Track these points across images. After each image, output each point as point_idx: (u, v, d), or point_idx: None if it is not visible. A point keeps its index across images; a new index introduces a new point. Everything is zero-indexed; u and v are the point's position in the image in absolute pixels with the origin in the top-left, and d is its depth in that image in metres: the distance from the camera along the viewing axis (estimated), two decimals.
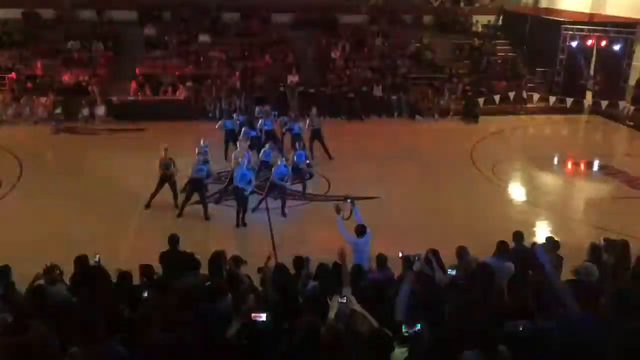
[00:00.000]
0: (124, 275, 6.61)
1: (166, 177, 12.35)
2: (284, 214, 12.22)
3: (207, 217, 11.97)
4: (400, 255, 7.25)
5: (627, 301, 4.54)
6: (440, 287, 6.24)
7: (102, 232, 10.87)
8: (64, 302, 6.23)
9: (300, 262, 7.23)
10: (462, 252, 7.19)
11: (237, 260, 7.20)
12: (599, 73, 22.70)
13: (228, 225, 11.70)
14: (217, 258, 7.19)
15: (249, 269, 7.38)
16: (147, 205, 12.35)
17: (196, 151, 12.82)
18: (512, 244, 7.88)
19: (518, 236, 8.06)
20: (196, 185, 12.06)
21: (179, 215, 12.00)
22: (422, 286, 5.79)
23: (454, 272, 6.59)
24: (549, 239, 8.27)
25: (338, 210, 8.60)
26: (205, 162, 12.30)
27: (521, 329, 4.69)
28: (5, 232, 10.68)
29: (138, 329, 4.91)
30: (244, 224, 11.74)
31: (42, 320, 5.14)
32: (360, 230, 8.40)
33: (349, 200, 9.00)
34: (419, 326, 4.49)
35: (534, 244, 7.95)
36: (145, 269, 6.99)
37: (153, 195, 12.38)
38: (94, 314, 4.52)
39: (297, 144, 13.92)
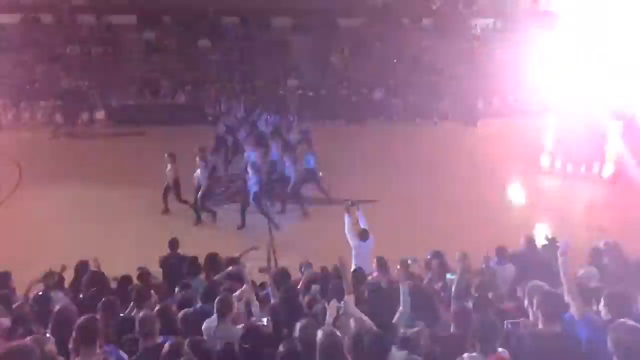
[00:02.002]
0: (124, 279, 6.61)
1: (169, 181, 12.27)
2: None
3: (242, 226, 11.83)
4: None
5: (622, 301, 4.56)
6: (439, 291, 6.24)
7: (102, 236, 10.86)
8: (64, 307, 6.23)
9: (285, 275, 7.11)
10: (463, 258, 7.18)
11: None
12: None
13: (228, 228, 11.68)
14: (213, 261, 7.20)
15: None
16: (165, 210, 12.31)
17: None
18: (521, 247, 7.88)
19: (530, 240, 8.03)
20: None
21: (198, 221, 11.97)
22: (421, 289, 5.79)
23: (453, 277, 6.59)
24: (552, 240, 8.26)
25: (348, 210, 8.62)
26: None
27: (521, 329, 4.69)
28: (5, 237, 10.68)
29: (139, 333, 4.90)
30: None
31: (43, 325, 5.15)
32: (364, 235, 8.41)
33: (352, 206, 8.96)
34: (417, 327, 4.50)
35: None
36: (140, 273, 6.98)
37: (165, 200, 12.32)
38: (94, 319, 4.51)
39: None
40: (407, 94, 22.05)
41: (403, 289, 5.39)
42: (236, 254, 7.75)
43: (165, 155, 12.27)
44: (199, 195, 11.86)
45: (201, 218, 12.01)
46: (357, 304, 5.55)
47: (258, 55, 23.05)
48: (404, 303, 5.29)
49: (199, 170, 11.92)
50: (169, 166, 12.16)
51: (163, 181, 12.32)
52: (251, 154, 13.20)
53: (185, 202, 12.25)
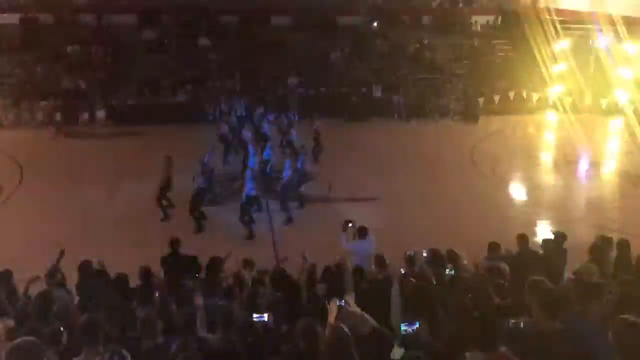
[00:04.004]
0: (120, 278, 6.59)
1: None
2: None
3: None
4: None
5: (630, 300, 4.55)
6: (439, 287, 6.23)
7: (103, 235, 10.88)
8: (67, 306, 6.24)
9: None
10: (453, 256, 7.18)
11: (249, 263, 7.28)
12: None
13: (228, 227, 11.69)
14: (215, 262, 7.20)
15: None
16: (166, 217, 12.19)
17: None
18: (516, 247, 7.87)
19: (522, 239, 8.03)
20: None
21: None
22: (421, 286, 5.78)
23: (452, 273, 6.60)
24: (556, 232, 8.26)
25: (345, 227, 8.53)
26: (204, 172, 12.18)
27: (522, 326, 4.68)
28: (6, 236, 10.69)
29: (142, 332, 4.91)
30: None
31: (45, 324, 5.15)
32: (362, 233, 8.39)
33: (350, 225, 8.86)
34: (417, 324, 4.50)
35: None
36: (142, 271, 6.96)
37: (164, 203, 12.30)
38: (96, 317, 4.52)
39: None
40: (407, 92, 22.05)
41: (394, 287, 5.41)
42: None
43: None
44: (192, 198, 11.72)
45: (202, 227, 11.73)
46: (357, 301, 5.57)
47: (258, 54, 23.05)
48: (394, 301, 5.31)
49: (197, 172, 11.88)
50: (163, 167, 12.11)
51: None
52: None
53: (160, 205, 12.11)
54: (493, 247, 7.59)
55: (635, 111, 20.86)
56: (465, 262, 7.19)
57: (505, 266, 7.01)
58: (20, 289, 6.67)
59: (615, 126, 21.26)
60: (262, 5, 24.75)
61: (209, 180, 12.31)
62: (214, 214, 12.30)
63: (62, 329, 4.71)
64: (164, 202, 12.18)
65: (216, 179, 13.47)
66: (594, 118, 22.14)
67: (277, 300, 5.80)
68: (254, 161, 13.02)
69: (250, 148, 13.63)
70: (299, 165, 12.85)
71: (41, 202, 12.84)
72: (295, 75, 21.77)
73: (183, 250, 8.12)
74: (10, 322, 5.44)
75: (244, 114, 17.89)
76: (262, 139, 14.95)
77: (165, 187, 12.12)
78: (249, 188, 11.40)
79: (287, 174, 12.21)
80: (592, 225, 11.83)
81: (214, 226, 11.86)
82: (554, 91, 23.07)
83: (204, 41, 23.27)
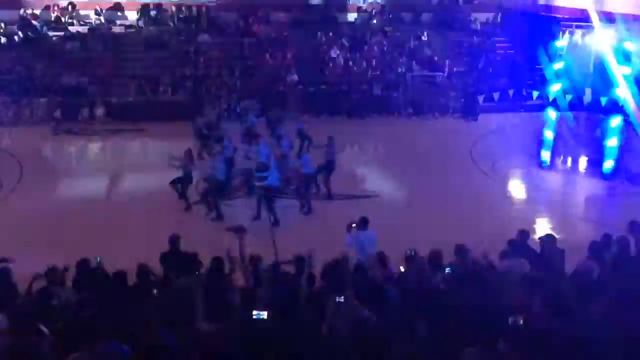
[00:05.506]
0: (119, 275, 6.60)
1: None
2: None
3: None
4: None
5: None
6: (438, 286, 6.25)
7: (102, 233, 10.87)
8: (67, 303, 6.25)
9: (301, 260, 7.23)
10: (461, 250, 7.20)
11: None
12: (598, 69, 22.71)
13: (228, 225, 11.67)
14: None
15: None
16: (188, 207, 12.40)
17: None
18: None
19: (523, 235, 8.02)
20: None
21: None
22: (420, 284, 5.80)
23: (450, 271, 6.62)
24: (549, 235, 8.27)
25: (349, 228, 8.57)
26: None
27: (521, 322, 4.69)
28: (5, 234, 10.68)
29: (141, 328, 4.91)
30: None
31: (45, 321, 5.16)
32: (363, 223, 8.40)
33: (354, 225, 8.90)
34: (415, 323, 4.52)
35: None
36: (141, 269, 6.96)
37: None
38: (96, 315, 4.53)
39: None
40: (407, 89, 22.04)
41: (386, 288, 5.43)
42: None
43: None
44: (210, 189, 11.92)
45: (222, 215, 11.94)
46: (357, 299, 5.58)
47: (258, 50, 23.01)
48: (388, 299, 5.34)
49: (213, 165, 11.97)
50: (184, 162, 12.27)
51: (172, 176, 12.35)
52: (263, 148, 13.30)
53: (184, 197, 12.32)
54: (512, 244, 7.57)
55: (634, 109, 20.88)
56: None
57: (526, 263, 7.01)
58: (19, 286, 6.67)
59: (614, 124, 21.22)
60: (262, 1, 24.70)
61: (229, 170, 12.39)
62: (228, 209, 12.28)
63: (61, 325, 4.73)
64: (185, 193, 12.32)
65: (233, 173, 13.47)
66: (593, 116, 22.11)
67: (276, 298, 5.81)
68: (230, 152, 13.02)
69: (226, 142, 13.58)
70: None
71: (40, 199, 12.83)
72: (295, 72, 21.73)
73: (192, 245, 8.12)
74: (5, 322, 5.45)
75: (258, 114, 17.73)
76: (252, 135, 14.89)
77: (186, 180, 12.29)
78: (273, 178, 11.47)
79: (307, 169, 12.29)
80: (591, 223, 11.85)
81: (214, 223, 11.87)
82: (554, 89, 23.04)
83: (203, 37, 23.22)
